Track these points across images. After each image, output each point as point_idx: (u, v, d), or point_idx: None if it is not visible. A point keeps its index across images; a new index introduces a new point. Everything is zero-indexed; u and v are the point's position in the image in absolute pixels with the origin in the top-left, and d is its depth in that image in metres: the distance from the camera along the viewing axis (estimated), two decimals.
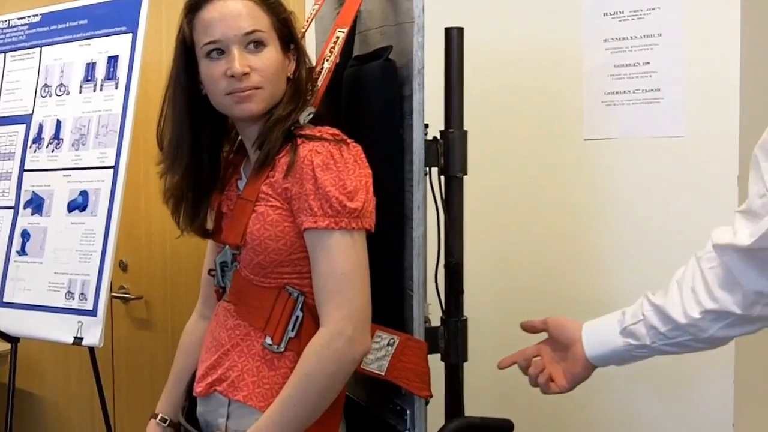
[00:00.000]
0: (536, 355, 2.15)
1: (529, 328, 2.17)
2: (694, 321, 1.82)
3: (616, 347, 1.96)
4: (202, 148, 2.17)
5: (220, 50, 2.02)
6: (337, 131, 2.01)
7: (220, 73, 2.02)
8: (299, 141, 1.97)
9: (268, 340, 2.02)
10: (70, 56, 3.45)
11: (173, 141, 2.18)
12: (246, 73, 1.99)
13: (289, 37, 2.08)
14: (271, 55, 2.02)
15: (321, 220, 1.91)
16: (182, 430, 2.25)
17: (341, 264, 1.93)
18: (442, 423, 2.23)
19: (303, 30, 2.26)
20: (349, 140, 2.00)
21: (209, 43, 2.03)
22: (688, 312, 1.83)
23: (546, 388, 2.12)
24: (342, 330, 1.91)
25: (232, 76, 1.99)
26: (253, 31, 2.00)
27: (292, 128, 2.02)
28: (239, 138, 2.21)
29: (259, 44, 2.00)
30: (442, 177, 2.22)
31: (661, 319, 1.88)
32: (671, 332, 1.87)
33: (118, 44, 3.32)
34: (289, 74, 2.08)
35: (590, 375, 2.04)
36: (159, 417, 2.31)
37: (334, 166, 1.92)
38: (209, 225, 2.22)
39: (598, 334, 2.00)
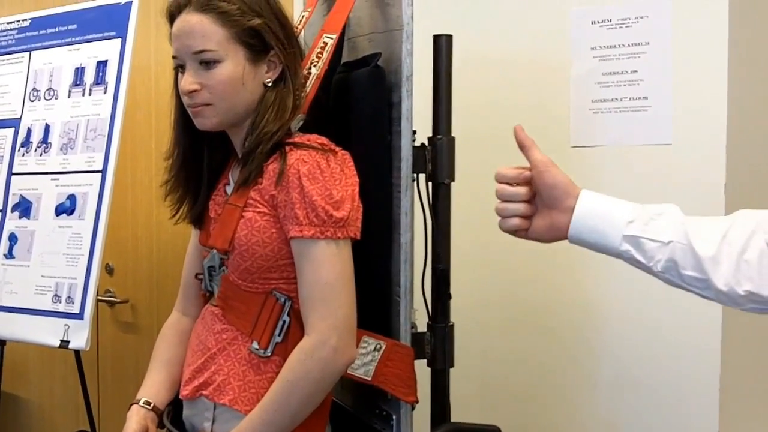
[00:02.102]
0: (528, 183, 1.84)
1: (520, 140, 1.88)
2: (733, 293, 1.63)
3: (611, 245, 1.72)
4: (201, 141, 2.19)
5: (182, 65, 2.05)
6: (325, 140, 2.02)
7: (180, 88, 2.05)
8: (287, 149, 1.98)
9: (255, 345, 2.03)
10: (59, 61, 3.45)
11: (173, 136, 2.21)
12: (194, 90, 2.01)
13: (261, 45, 2.05)
14: (224, 70, 2.00)
15: (307, 229, 1.92)
16: None
17: (326, 273, 1.93)
18: (428, 429, 2.23)
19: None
20: (337, 148, 2.01)
21: (173, 58, 2.07)
22: (732, 284, 1.62)
23: (517, 234, 1.84)
24: (327, 339, 1.92)
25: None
26: (200, 51, 2.00)
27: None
28: None
29: (209, 62, 2.00)
30: (430, 183, 2.23)
31: (692, 264, 1.65)
32: (693, 280, 1.66)
33: (107, 49, 3.32)
34: (266, 81, 2.07)
35: (553, 242, 1.82)
36: (142, 401, 2.23)
37: (321, 176, 1.93)
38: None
39: (594, 219, 1.74)
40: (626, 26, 2.68)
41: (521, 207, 1.80)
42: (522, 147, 1.84)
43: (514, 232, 1.82)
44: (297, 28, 2.32)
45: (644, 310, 2.65)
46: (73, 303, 3.14)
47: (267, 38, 2.04)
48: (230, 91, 2.02)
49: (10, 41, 3.64)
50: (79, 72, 3.37)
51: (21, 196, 3.39)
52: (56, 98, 3.41)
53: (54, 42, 3.50)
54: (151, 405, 2.22)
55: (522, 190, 1.81)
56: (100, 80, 3.30)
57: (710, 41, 2.55)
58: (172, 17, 2.07)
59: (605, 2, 2.73)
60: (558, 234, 1.77)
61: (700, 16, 2.57)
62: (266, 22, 2.04)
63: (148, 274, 4.12)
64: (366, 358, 2.09)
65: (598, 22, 2.74)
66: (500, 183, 1.84)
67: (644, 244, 1.69)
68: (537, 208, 1.81)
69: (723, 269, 1.62)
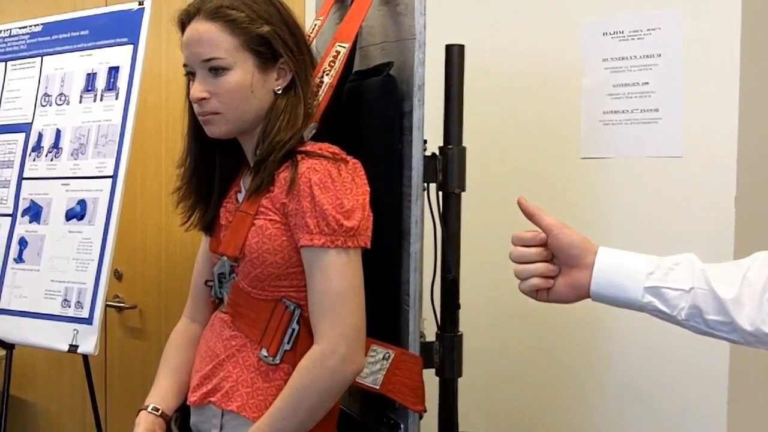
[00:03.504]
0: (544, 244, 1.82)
1: (525, 210, 1.85)
2: (759, 332, 1.62)
3: (634, 299, 1.71)
4: (213, 149, 2.20)
5: (192, 73, 2.06)
6: (336, 149, 2.02)
7: (191, 96, 2.06)
8: (299, 157, 1.98)
9: (264, 352, 2.03)
10: (71, 66, 3.46)
11: (186, 144, 2.22)
12: (204, 98, 2.02)
13: (271, 53, 2.06)
14: (233, 78, 2.01)
15: (317, 238, 1.93)
16: None
17: (336, 282, 1.94)
18: None
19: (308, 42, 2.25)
20: (348, 157, 2.02)
21: (184, 66, 2.08)
22: (758, 323, 1.61)
23: (536, 290, 1.82)
24: (336, 348, 1.92)
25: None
26: (209, 59, 2.01)
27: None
28: None
29: (218, 70, 2.01)
30: (440, 193, 2.23)
31: (715, 308, 1.64)
32: (718, 324, 1.65)
33: (119, 55, 3.33)
34: (276, 89, 2.08)
35: (577, 301, 1.80)
36: (150, 407, 2.23)
37: (332, 185, 1.94)
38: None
39: (615, 274, 1.72)
40: (638, 38, 2.68)
41: (539, 267, 1.80)
42: (530, 216, 1.83)
43: (535, 293, 1.82)
44: (309, 36, 2.32)
45: (654, 320, 2.65)
46: (82, 308, 3.15)
47: (276, 46, 2.04)
48: (239, 98, 2.02)
49: (22, 46, 3.65)
50: (91, 77, 3.38)
51: (31, 200, 3.40)
52: (67, 103, 3.42)
53: (66, 47, 3.51)
54: (160, 411, 2.22)
55: (538, 251, 1.80)
56: (111, 86, 3.30)
57: (722, 54, 2.55)
58: (182, 25, 2.08)
59: (617, 14, 2.73)
60: (580, 292, 1.76)
61: (712, 28, 2.56)
62: (275, 30, 2.04)
63: (156, 280, 4.12)
64: (374, 367, 2.09)
65: (610, 34, 2.74)
66: (516, 245, 1.84)
67: (666, 294, 1.68)
68: (559, 269, 1.80)
69: (747, 310, 1.62)
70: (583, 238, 1.79)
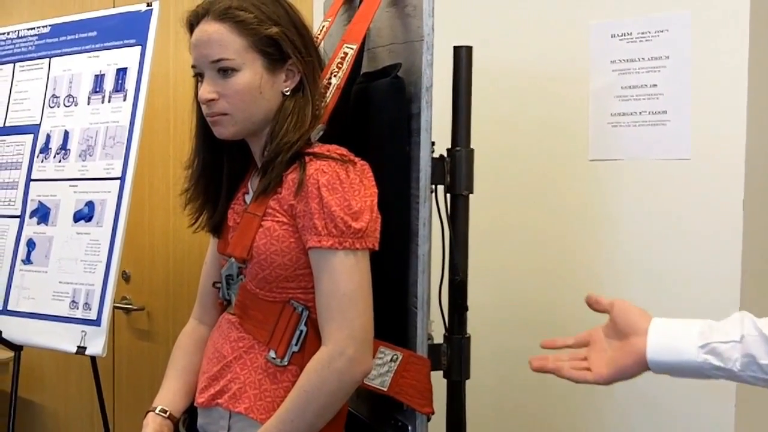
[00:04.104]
0: (587, 344, 1.90)
1: (593, 303, 1.89)
2: None
3: (690, 361, 1.69)
4: (221, 150, 2.20)
5: (201, 74, 2.06)
6: (344, 151, 2.02)
7: (199, 97, 2.06)
8: (307, 159, 1.98)
9: (272, 354, 2.03)
10: (79, 67, 3.47)
11: (193, 145, 2.22)
12: (212, 99, 2.02)
13: (279, 54, 2.05)
14: (242, 79, 2.01)
15: (325, 239, 1.92)
16: None
17: (344, 284, 1.94)
18: None
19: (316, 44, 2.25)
20: (356, 159, 2.02)
21: (192, 67, 2.09)
22: None
23: (579, 375, 1.87)
24: (343, 350, 1.92)
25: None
26: (218, 60, 2.01)
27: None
28: None
29: (226, 71, 2.01)
30: (448, 195, 2.23)
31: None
32: None
33: (127, 56, 3.34)
34: (284, 90, 2.07)
35: (637, 375, 1.80)
36: (158, 408, 2.23)
37: (340, 187, 1.94)
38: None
39: (669, 338, 1.73)
40: (646, 40, 2.68)
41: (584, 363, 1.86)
42: (595, 304, 1.89)
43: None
44: (317, 38, 2.32)
45: None
46: (90, 309, 3.15)
47: (284, 47, 2.04)
48: (247, 99, 2.02)
49: (30, 47, 3.66)
50: (99, 79, 3.39)
51: (39, 202, 3.41)
52: (75, 105, 3.43)
53: (74, 49, 3.52)
54: (167, 413, 2.22)
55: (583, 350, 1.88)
56: (119, 87, 3.31)
57: (730, 55, 2.54)
58: (191, 27, 2.08)
59: (625, 16, 2.72)
60: (638, 358, 1.75)
61: (720, 30, 2.56)
62: (284, 31, 2.04)
63: (164, 282, 4.13)
64: (382, 369, 2.09)
65: (618, 36, 2.73)
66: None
67: (718, 348, 1.67)
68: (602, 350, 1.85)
69: None
70: (642, 309, 1.81)
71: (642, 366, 1.76)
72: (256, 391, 2.04)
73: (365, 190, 1.97)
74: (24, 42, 3.68)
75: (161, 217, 4.11)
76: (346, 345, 1.92)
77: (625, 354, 1.77)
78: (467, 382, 2.28)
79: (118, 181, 3.21)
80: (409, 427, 2.12)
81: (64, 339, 3.20)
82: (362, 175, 1.99)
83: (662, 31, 2.65)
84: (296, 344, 2.02)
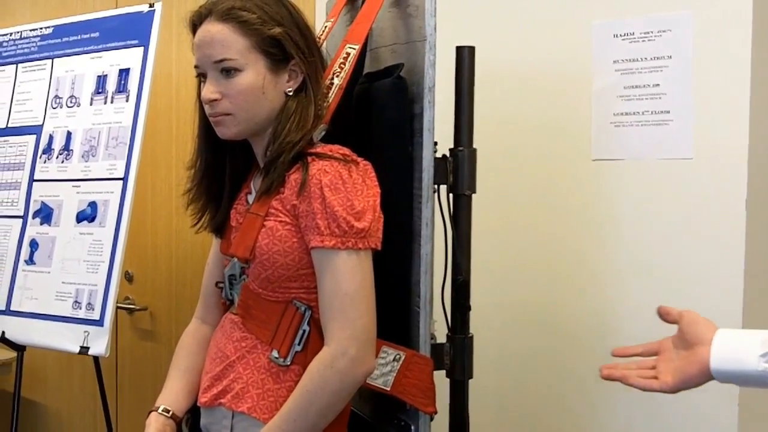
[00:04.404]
0: (656, 352, 1.91)
1: (664, 314, 1.92)
2: None
3: (750, 370, 1.70)
4: (223, 150, 2.20)
5: (204, 74, 2.06)
6: (347, 151, 2.02)
7: (202, 97, 2.06)
8: (310, 159, 1.98)
9: (275, 353, 2.03)
10: (82, 68, 3.47)
11: (196, 145, 2.22)
12: (215, 100, 2.02)
13: (282, 54, 2.05)
14: (245, 80, 2.01)
15: (328, 239, 1.92)
16: None
17: (347, 284, 1.93)
18: None
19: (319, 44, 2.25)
20: (359, 159, 2.01)
21: (195, 67, 2.09)
22: None
23: (645, 383, 1.87)
24: (346, 350, 1.92)
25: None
26: (221, 60, 2.01)
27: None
28: None
29: (229, 71, 2.01)
30: (451, 195, 2.23)
31: None
32: None
33: (130, 57, 3.34)
34: (287, 90, 2.07)
35: (702, 384, 1.81)
36: (161, 408, 2.23)
37: (342, 187, 1.93)
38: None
39: (731, 348, 1.74)
40: (649, 40, 2.68)
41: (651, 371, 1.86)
42: (666, 315, 1.90)
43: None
44: (320, 38, 2.32)
45: (665, 326, 2.64)
46: (93, 309, 3.16)
47: (287, 47, 2.04)
48: (251, 100, 2.02)
49: (32, 48, 3.66)
50: (101, 80, 3.39)
51: (42, 202, 3.42)
52: (78, 105, 3.44)
53: (76, 49, 3.53)
54: (170, 413, 2.22)
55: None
56: (122, 88, 3.31)
57: (733, 55, 2.54)
58: (194, 27, 2.08)
59: (628, 15, 2.73)
60: (702, 366, 1.75)
61: (722, 30, 2.56)
62: (287, 31, 2.04)
63: (167, 282, 4.13)
64: (385, 368, 2.09)
65: (621, 36, 2.74)
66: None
67: None
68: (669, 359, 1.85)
69: None
70: (709, 320, 1.81)
71: (706, 375, 1.77)
72: (259, 391, 2.04)
73: (368, 190, 1.97)
74: (27, 43, 3.69)
75: (164, 217, 4.11)
76: (348, 345, 1.92)
77: (691, 363, 1.78)
78: (470, 381, 2.28)
79: (121, 182, 3.21)
80: (412, 427, 2.12)
81: (67, 339, 3.21)
82: (365, 175, 1.99)
83: (665, 31, 2.65)
84: (299, 344, 2.02)
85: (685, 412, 2.65)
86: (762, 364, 1.67)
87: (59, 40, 3.59)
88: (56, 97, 3.51)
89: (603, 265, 2.82)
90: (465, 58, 2.25)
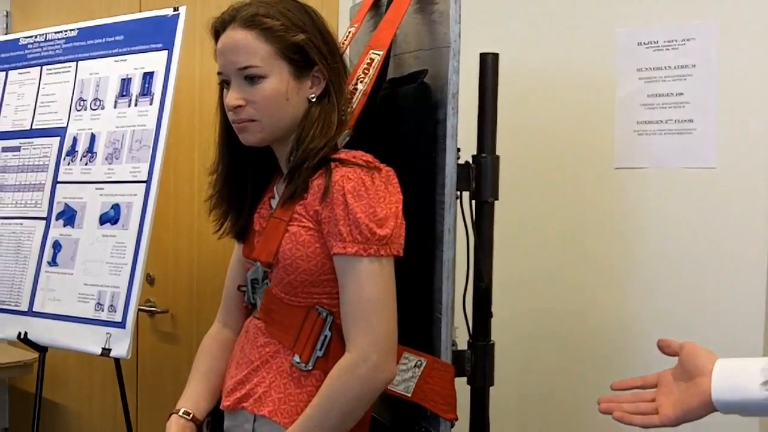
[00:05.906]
0: (655, 385, 1.89)
1: (664, 346, 1.90)
2: None
3: (753, 398, 1.67)
4: (245, 156, 2.20)
5: (227, 81, 2.07)
6: (370, 157, 2.02)
7: (226, 104, 2.06)
8: (333, 165, 1.99)
9: (297, 358, 2.03)
10: (106, 71, 3.49)
11: (217, 152, 2.23)
12: (239, 106, 2.03)
13: (305, 61, 2.05)
14: (269, 86, 2.01)
15: (350, 246, 1.93)
16: None
17: (369, 291, 1.94)
18: None
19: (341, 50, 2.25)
20: (381, 166, 2.01)
21: (218, 74, 2.09)
22: None
23: (645, 420, 1.86)
24: (367, 356, 1.92)
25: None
26: (245, 67, 2.01)
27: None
28: None
29: (253, 78, 2.01)
30: (474, 201, 2.24)
31: None
32: None
33: (154, 60, 3.36)
34: (310, 97, 2.07)
35: (704, 416, 1.78)
36: (182, 411, 2.23)
37: (365, 193, 1.94)
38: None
39: (732, 377, 1.71)
40: (673, 48, 2.68)
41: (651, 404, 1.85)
42: (666, 347, 1.89)
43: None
44: (343, 43, 2.33)
45: (686, 333, 2.64)
46: (115, 311, 3.17)
47: (311, 54, 2.04)
48: (274, 106, 2.03)
49: (57, 51, 3.68)
50: (126, 83, 3.41)
51: (66, 204, 3.43)
52: (102, 108, 3.45)
53: (101, 52, 3.55)
54: (191, 415, 2.22)
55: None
56: (146, 91, 3.33)
57: (757, 64, 2.54)
58: (217, 34, 2.08)
59: (652, 24, 2.72)
60: (703, 398, 1.73)
61: (747, 39, 2.55)
62: (310, 38, 2.04)
63: (188, 285, 4.14)
64: (406, 375, 2.09)
65: (645, 44, 2.73)
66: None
67: None
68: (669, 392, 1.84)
69: None
70: (709, 351, 1.79)
71: (707, 407, 1.75)
72: (280, 395, 2.04)
73: (390, 197, 1.97)
74: (51, 45, 3.71)
75: (186, 220, 4.12)
76: (370, 351, 1.92)
77: (691, 395, 1.76)
78: (491, 389, 2.28)
79: (144, 184, 3.22)
80: None
81: (88, 341, 3.22)
82: (387, 182, 1.99)
83: (689, 40, 2.64)
84: (320, 349, 2.02)
85: (708, 424, 2.64)
86: (764, 392, 1.65)
87: (84, 43, 3.61)
88: (80, 99, 3.52)
89: (624, 274, 2.81)
90: (489, 64, 2.26)
